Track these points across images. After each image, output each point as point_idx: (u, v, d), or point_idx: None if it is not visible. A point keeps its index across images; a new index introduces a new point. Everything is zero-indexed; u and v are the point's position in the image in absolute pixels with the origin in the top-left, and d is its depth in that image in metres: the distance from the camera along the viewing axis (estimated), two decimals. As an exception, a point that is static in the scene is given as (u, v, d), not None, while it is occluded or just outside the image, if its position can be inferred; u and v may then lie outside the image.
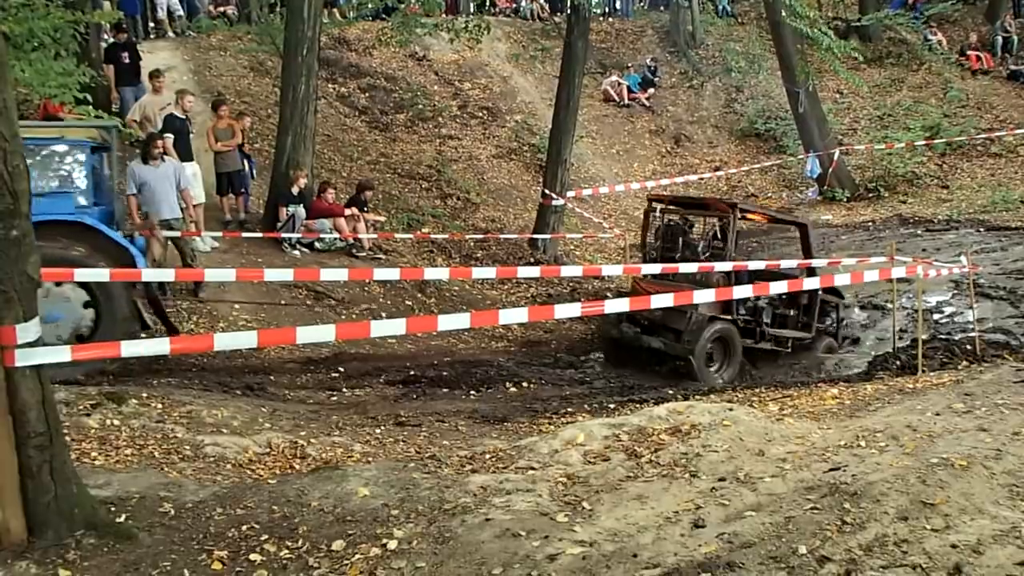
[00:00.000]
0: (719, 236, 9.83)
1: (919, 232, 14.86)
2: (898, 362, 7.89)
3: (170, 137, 10.50)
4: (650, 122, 21.50)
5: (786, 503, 3.92)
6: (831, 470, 4.19)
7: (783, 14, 13.59)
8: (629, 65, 22.62)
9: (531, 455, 5.21)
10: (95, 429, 5.83)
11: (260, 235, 11.01)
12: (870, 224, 16.06)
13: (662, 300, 6.60)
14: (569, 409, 7.61)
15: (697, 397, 7.32)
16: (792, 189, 19.23)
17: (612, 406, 7.59)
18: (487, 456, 5.34)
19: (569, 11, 14.11)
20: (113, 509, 4.26)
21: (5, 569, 3.66)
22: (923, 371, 7.26)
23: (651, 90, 22.01)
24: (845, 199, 17.81)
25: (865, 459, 4.29)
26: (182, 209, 9.57)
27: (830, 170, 17.75)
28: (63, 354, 4.35)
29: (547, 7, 23.89)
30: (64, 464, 4.02)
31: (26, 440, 3.81)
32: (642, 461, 4.86)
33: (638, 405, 7.25)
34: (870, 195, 17.92)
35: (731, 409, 5.62)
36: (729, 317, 9.33)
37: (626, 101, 21.53)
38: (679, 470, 4.64)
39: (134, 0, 16.54)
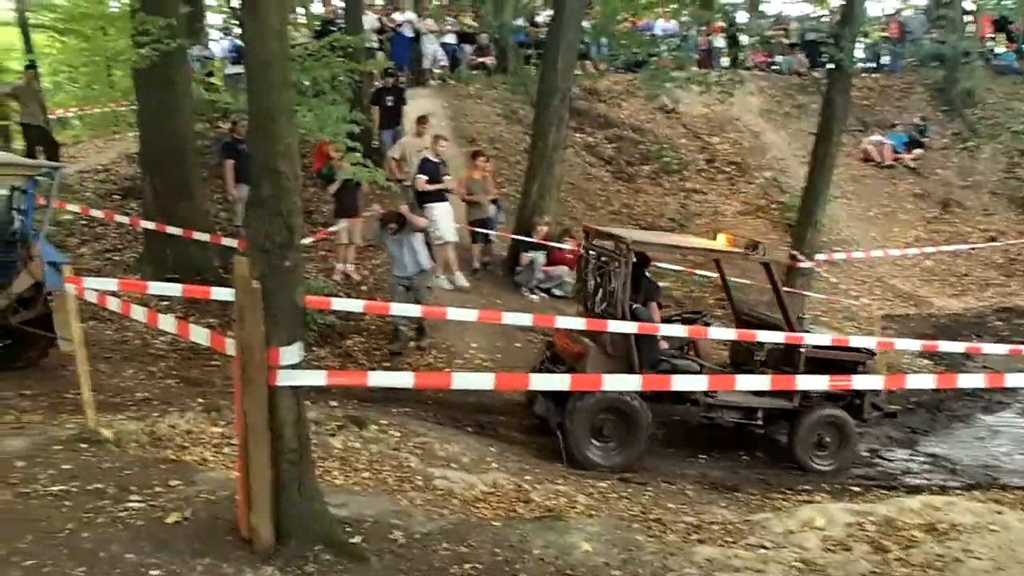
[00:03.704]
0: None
1: None
2: None
3: (423, 178, 10.94)
4: (915, 185, 19.95)
5: (1071, 633, 3.36)
6: None
7: None
8: (895, 123, 21.21)
9: (763, 532, 4.90)
10: (338, 449, 6.21)
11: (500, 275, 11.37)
12: None
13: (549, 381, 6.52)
14: (806, 487, 7.10)
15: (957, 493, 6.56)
16: (1088, 267, 17.00)
17: (856, 489, 6.98)
18: (715, 527, 5.09)
19: (830, 65, 13.46)
20: (348, 529, 4.46)
21: (254, 571, 3.92)
22: None
23: (918, 151, 20.45)
24: None
25: None
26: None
27: None
28: (319, 378, 4.67)
29: (806, 61, 23.02)
30: (311, 480, 4.29)
31: (281, 455, 4.09)
32: (889, 557, 4.43)
33: (885, 492, 6.63)
34: None
35: (1000, 512, 4.97)
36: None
37: (888, 161, 20.16)
38: (933, 573, 4.15)
39: (405, 51, 17.86)
